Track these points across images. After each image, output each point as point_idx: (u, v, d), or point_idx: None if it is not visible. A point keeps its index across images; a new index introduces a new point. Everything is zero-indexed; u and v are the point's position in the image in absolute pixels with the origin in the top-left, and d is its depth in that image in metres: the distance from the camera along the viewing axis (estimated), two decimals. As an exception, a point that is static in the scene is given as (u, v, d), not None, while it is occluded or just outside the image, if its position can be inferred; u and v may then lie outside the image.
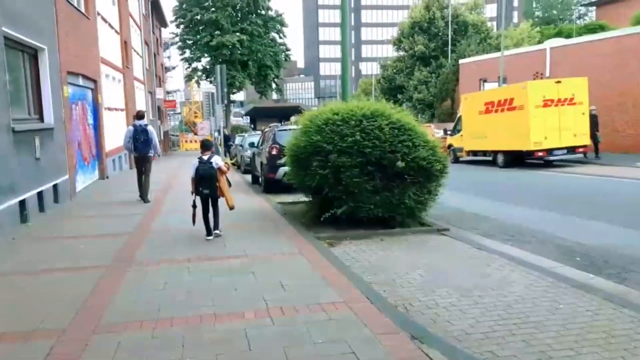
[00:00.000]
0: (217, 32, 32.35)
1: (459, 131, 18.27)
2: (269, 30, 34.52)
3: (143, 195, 9.09)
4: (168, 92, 41.47)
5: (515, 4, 71.02)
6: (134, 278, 4.45)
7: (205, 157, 5.91)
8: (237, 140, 21.33)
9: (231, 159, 20.51)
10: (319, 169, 6.10)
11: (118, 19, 17.13)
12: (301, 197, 7.54)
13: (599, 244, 5.59)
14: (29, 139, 7.50)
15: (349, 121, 6.18)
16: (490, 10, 58.25)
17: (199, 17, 32.92)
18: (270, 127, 12.91)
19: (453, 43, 35.10)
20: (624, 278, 4.39)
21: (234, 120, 43.17)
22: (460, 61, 28.42)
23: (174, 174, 14.99)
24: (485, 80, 24.40)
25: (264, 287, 4.07)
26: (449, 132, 19.14)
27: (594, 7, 39.85)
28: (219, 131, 17.42)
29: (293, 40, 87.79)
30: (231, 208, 6.03)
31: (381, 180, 6.06)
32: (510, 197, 9.52)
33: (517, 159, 15.30)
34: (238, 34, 32.17)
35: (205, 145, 6.15)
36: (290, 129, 10.05)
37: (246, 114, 47.40)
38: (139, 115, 9.26)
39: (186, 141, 36.86)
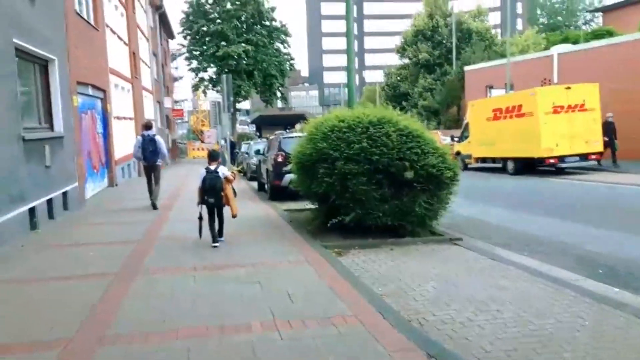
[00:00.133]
0: (223, 43, 32.63)
1: (466, 138, 18.11)
2: (273, 40, 34.76)
3: (152, 203, 9.23)
4: (176, 102, 41.82)
5: (519, 11, 70.99)
6: (141, 286, 4.38)
7: (212, 167, 6.01)
8: (243, 147, 21.37)
9: (237, 166, 20.53)
10: (325, 176, 6.01)
11: (127, 31, 17.33)
12: (307, 205, 7.46)
13: (621, 255, 5.40)
14: (39, 147, 7.53)
15: (356, 128, 6.10)
16: (494, 18, 58.20)
17: (205, 28, 33.26)
18: (275, 134, 12.89)
19: (457, 50, 35.06)
20: (650, 292, 4.20)
21: (240, 128, 43.34)
22: (466, 68, 28.32)
23: (181, 181, 14.99)
24: (491, 87, 24.24)
25: (271, 298, 3.97)
26: (456, 139, 18.99)
27: (601, 13, 39.66)
28: (225, 139, 17.45)
29: (297, 49, 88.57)
30: (234, 216, 6.09)
31: (389, 188, 5.96)
32: (523, 205, 9.35)
33: (528, 166, 15.10)
34: (243, 44, 32.40)
35: (213, 156, 6.26)
36: (295, 137, 10.02)
37: (252, 122, 47.57)
38: (147, 126, 9.49)
39: (193, 149, 37.06)
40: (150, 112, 22.61)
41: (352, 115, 6.35)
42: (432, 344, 3.09)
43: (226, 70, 30.05)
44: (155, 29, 27.17)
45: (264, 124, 36.68)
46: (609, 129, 14.83)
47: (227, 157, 16.68)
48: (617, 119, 15.28)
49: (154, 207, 9.14)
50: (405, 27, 42.61)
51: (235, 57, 32.04)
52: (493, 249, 5.75)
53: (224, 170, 6.03)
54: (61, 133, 8.58)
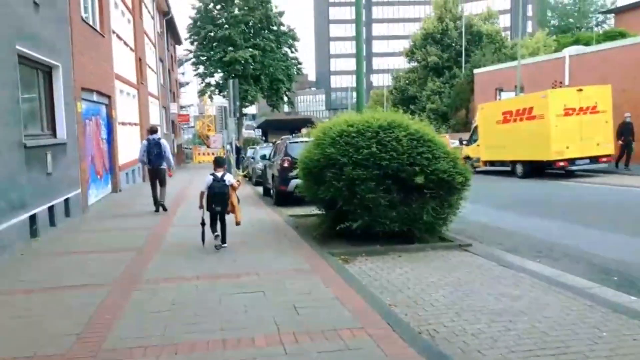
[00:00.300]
0: (230, 48, 32.70)
1: (475, 141, 17.87)
2: (281, 45, 34.78)
3: (160, 205, 9.43)
4: (182, 107, 42.00)
5: (529, 13, 70.63)
6: (141, 297, 4.24)
7: (219, 174, 6.00)
8: (249, 152, 21.31)
9: (243, 171, 20.45)
10: (332, 182, 5.86)
11: (133, 37, 17.37)
12: (313, 210, 7.31)
13: (635, 261, 5.20)
14: (41, 154, 7.47)
15: (365, 133, 5.95)
16: (504, 21, 57.90)
17: (212, 34, 33.37)
18: (282, 139, 12.78)
19: (467, 53, 34.82)
20: (669, 300, 4.00)
21: (246, 133, 43.40)
22: (475, 71, 28.06)
23: (186, 186, 14.91)
24: (501, 90, 23.95)
25: (275, 309, 3.81)
26: (464, 142, 18.75)
27: (612, 15, 39.13)
28: (230, 144, 17.40)
29: (304, 53, 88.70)
30: (237, 224, 6.11)
31: (398, 193, 5.78)
32: (534, 209, 9.10)
33: (537, 169, 14.83)
34: (251, 49, 32.45)
35: (218, 162, 6.26)
36: (302, 142, 9.91)
37: (258, 127, 47.66)
38: (152, 130, 9.65)
39: (199, 154, 37.16)
40: (156, 117, 22.65)
41: (362, 119, 6.20)
42: (444, 358, 2.94)
43: (233, 75, 30.07)
44: (163, 35, 27.30)
45: (270, 128, 36.72)
46: (626, 129, 14.50)
47: (233, 161, 16.61)
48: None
49: (164, 209, 9.42)
50: (414, 30, 42.53)
51: (242, 62, 32.12)
52: (504, 255, 5.57)
53: (230, 178, 6.04)
54: (64, 140, 8.52)
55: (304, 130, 22.13)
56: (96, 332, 3.47)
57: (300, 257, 5.50)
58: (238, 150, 21.03)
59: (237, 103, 16.04)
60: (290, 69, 35.26)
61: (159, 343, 3.23)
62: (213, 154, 28.30)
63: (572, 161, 14.02)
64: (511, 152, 15.65)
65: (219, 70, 34.14)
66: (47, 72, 8.26)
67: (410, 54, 39.48)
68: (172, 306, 3.96)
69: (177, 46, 36.94)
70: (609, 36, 30.25)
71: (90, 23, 11.32)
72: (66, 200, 8.55)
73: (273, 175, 11.25)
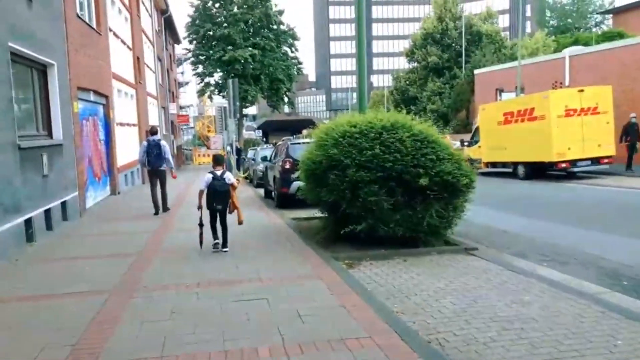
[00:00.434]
0: (230, 47, 32.52)
1: (476, 142, 17.77)
2: (280, 44, 34.62)
3: (163, 205, 9.50)
4: (181, 107, 41.81)
5: (528, 13, 70.70)
6: (138, 305, 4.10)
7: (219, 173, 5.93)
8: (250, 153, 21.17)
9: (243, 173, 20.31)
10: (335, 184, 5.74)
11: (130, 36, 17.21)
12: (315, 213, 7.18)
13: (645, 264, 5.08)
14: (36, 156, 7.31)
15: (368, 134, 5.83)
16: (503, 21, 57.86)
17: (211, 32, 33.18)
18: (283, 140, 12.65)
19: (467, 54, 34.74)
20: (684, 306, 3.88)
21: (247, 134, 43.27)
22: (476, 71, 27.97)
23: (186, 188, 14.76)
24: (502, 91, 23.89)
25: (279, 317, 3.67)
26: (466, 143, 18.65)
27: (610, 15, 39.13)
28: (231, 145, 17.25)
29: (304, 54, 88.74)
30: (240, 223, 6.09)
31: (402, 196, 5.66)
32: (538, 211, 8.99)
33: (538, 171, 14.73)
34: (250, 48, 32.28)
35: (218, 160, 6.18)
36: (303, 143, 9.79)
37: (258, 128, 47.47)
38: (152, 131, 9.61)
39: (199, 155, 37.02)
40: (154, 118, 22.48)
41: (364, 120, 6.08)
42: (457, 372, 2.80)
43: (232, 74, 29.92)
44: (161, 33, 27.13)
45: (270, 129, 36.54)
46: (632, 130, 14.39)
47: (233, 163, 16.47)
48: (626, 120, 14.83)
49: (165, 209, 9.51)
50: (414, 30, 42.44)
51: (242, 61, 31.96)
52: (511, 259, 5.46)
53: (229, 177, 5.97)
54: (60, 141, 8.36)
55: (304, 132, 21.99)
56: (92, 343, 3.33)
57: (304, 262, 5.37)
58: (238, 152, 20.89)
59: (237, 103, 15.88)
60: (291, 69, 35.11)
61: (158, 355, 3.10)
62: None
63: (574, 162, 13.94)
64: (512, 153, 15.55)
65: (218, 70, 33.97)
66: (42, 70, 8.10)
67: (410, 54, 39.37)
68: (172, 315, 3.82)
69: (175, 45, 36.74)
70: (608, 37, 30.22)
71: (86, 20, 11.14)
72: (63, 203, 8.40)
73: (274, 177, 11.12)
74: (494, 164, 16.78)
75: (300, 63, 36.49)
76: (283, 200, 10.25)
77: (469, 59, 34.19)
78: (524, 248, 6.11)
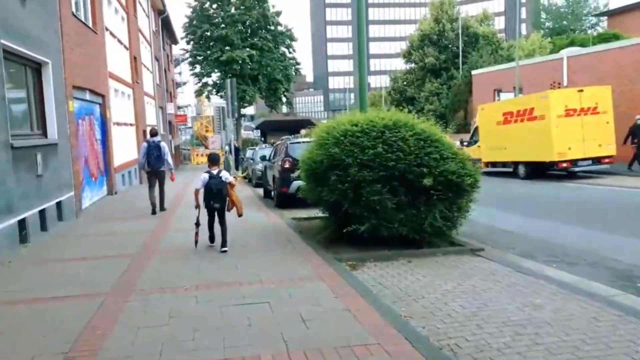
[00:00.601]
0: (227, 48, 32.34)
1: (475, 142, 17.68)
2: (278, 45, 34.46)
3: (160, 205, 9.54)
4: (179, 107, 41.59)
5: (523, 15, 71.02)
6: (134, 310, 3.93)
7: (215, 172, 5.93)
8: (248, 153, 20.99)
9: (242, 172, 20.14)
10: (337, 184, 5.61)
11: (127, 35, 17.02)
12: (316, 212, 7.05)
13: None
14: (30, 155, 7.13)
15: (370, 132, 5.69)
16: (498, 23, 57.97)
17: (209, 33, 32.99)
18: (282, 140, 12.50)
19: (464, 55, 34.71)
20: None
21: (245, 134, 43.09)
22: (474, 72, 27.93)
23: (183, 188, 14.56)
24: (500, 91, 23.83)
25: (282, 322, 3.52)
26: (465, 143, 18.55)
27: (605, 17, 39.25)
28: (229, 144, 17.07)
29: (302, 55, 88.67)
30: (239, 215, 6.14)
31: (405, 196, 5.53)
32: (541, 211, 8.88)
33: (539, 170, 14.66)
34: (248, 49, 32.10)
35: (214, 159, 6.16)
36: (303, 142, 9.67)
37: (256, 128, 47.30)
38: (152, 133, 9.69)
39: (197, 155, 36.83)
40: (152, 118, 22.28)
41: (366, 118, 5.94)
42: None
43: (230, 75, 29.73)
44: (158, 34, 26.94)
45: (268, 129, 36.37)
46: (639, 131, 14.31)
47: (232, 163, 16.30)
48: (627, 121, 14.79)
49: (162, 209, 9.54)
50: (410, 32, 42.39)
51: (240, 61, 31.77)
52: (519, 260, 5.32)
53: (226, 175, 5.99)
54: (55, 140, 8.18)
55: (302, 131, 21.85)
56: (86, 350, 3.16)
57: (306, 263, 5.22)
58: (237, 151, 20.72)
59: (235, 103, 15.72)
60: (289, 69, 34.95)
61: (155, 362, 2.94)
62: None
63: (574, 162, 13.88)
64: (513, 153, 15.47)
65: (216, 70, 33.77)
66: (36, 69, 7.93)
67: (407, 55, 39.30)
68: (170, 320, 3.66)
69: (173, 46, 36.54)
70: (604, 38, 30.29)
71: (82, 19, 10.97)
72: (58, 203, 8.22)
73: (274, 177, 10.98)
74: (493, 164, 16.69)
75: (298, 63, 36.34)
76: (283, 199, 10.13)
77: (466, 60, 34.15)
78: (530, 248, 5.98)
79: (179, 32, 34.48)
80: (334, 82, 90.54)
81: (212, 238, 6.11)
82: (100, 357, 3.05)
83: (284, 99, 36.97)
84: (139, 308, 3.97)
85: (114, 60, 14.34)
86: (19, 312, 4.03)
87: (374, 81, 77.02)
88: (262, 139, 36.61)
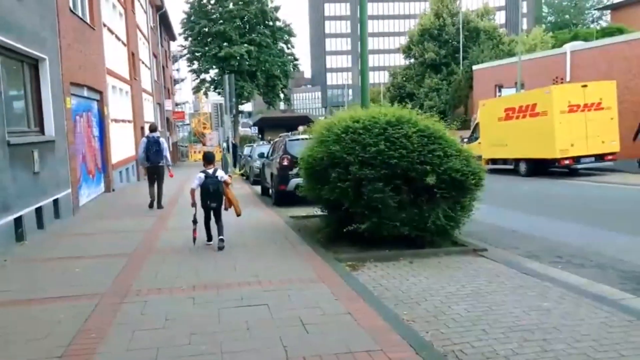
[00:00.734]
0: (225, 44, 32.10)
1: (476, 139, 17.54)
2: (277, 40, 34.19)
3: (157, 202, 9.57)
4: (177, 104, 41.40)
5: (524, 10, 70.67)
6: (131, 311, 3.83)
7: (210, 171, 5.91)
8: (246, 150, 20.84)
9: (240, 170, 19.99)
10: (337, 182, 5.48)
11: (125, 31, 16.85)
12: (315, 211, 6.94)
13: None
14: (26, 152, 7.02)
15: (372, 129, 5.56)
16: (499, 17, 57.69)
17: (207, 29, 32.73)
18: (280, 136, 12.38)
19: (464, 50, 34.49)
20: None
21: (242, 131, 42.89)
22: (474, 67, 27.74)
23: (181, 186, 14.44)
24: (501, 86, 23.68)
25: (281, 326, 3.42)
26: (465, 140, 18.40)
27: (609, 11, 38.99)
28: (227, 141, 16.93)
29: (300, 51, 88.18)
30: (238, 215, 6.11)
31: (408, 194, 5.41)
32: (543, 209, 8.78)
33: (540, 167, 14.53)
34: (246, 45, 31.84)
35: (209, 158, 6.13)
36: (302, 139, 9.55)
37: (254, 125, 47.13)
38: (152, 129, 9.77)
39: (195, 152, 36.67)
40: (150, 114, 22.13)
41: (368, 114, 5.81)
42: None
43: (228, 71, 29.53)
44: (156, 30, 26.73)
45: (266, 126, 36.16)
46: None
47: (230, 160, 16.16)
48: (632, 117, 14.65)
49: (159, 206, 9.53)
50: (410, 27, 42.11)
51: (238, 57, 31.52)
52: (523, 261, 5.22)
53: (222, 174, 6.00)
54: (52, 137, 8.06)
55: (300, 128, 21.70)
56: (79, 356, 3.05)
57: (305, 263, 5.12)
58: (235, 148, 20.56)
59: (234, 99, 15.56)
60: (287, 65, 34.69)
61: (151, 369, 2.84)
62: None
63: (577, 159, 13.74)
64: (514, 149, 15.34)
65: (214, 66, 33.53)
66: (33, 65, 7.80)
67: (407, 50, 39.06)
68: (166, 323, 3.55)
69: (171, 42, 36.30)
70: (607, 32, 30.06)
71: (79, 14, 10.81)
72: (55, 201, 8.11)
73: (272, 174, 10.86)
74: (494, 161, 16.57)
75: (296, 59, 36.07)
76: (281, 197, 10.02)
77: (466, 55, 33.95)
78: (534, 248, 5.88)
79: (177, 28, 34.27)
80: (332, 79, 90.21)
81: (209, 236, 6.12)
82: (93, 364, 2.95)
83: (282, 96, 36.74)
84: (135, 310, 3.86)
85: (112, 57, 14.18)
86: (11, 314, 3.92)
87: (373, 77, 76.71)
88: (260, 135, 36.41)
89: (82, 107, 11.07)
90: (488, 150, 16.59)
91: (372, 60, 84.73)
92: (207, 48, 32.82)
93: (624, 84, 15.98)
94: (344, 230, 5.60)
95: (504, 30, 40.83)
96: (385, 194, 5.30)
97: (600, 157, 13.87)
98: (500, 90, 23.56)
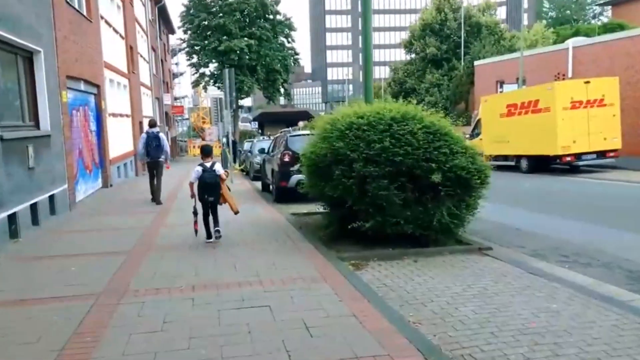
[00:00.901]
0: (225, 37, 31.84)
1: (477, 135, 17.41)
2: (277, 34, 33.94)
3: (156, 199, 9.58)
4: (176, 99, 41.13)
5: (525, 5, 70.32)
6: (128, 313, 3.71)
7: (208, 165, 5.89)
8: (246, 146, 20.69)
9: (240, 165, 19.85)
10: (341, 179, 5.36)
11: (123, 24, 16.62)
12: (317, 207, 6.82)
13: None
14: (21, 147, 6.87)
15: (377, 125, 5.43)
16: (500, 13, 57.38)
17: (206, 22, 32.46)
18: (282, 132, 12.24)
19: (466, 45, 34.25)
20: None
21: (242, 126, 42.69)
22: (476, 63, 27.55)
23: (180, 181, 14.31)
24: (502, 82, 23.52)
25: (284, 329, 3.31)
26: (467, 136, 18.26)
27: (610, 7, 38.75)
28: (226, 137, 16.76)
29: (300, 45, 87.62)
30: (236, 213, 6.08)
31: (413, 192, 5.30)
32: (546, 207, 8.68)
33: (542, 164, 14.43)
34: (246, 38, 31.59)
35: (206, 151, 6.10)
36: (303, 135, 9.43)
37: (254, 120, 46.90)
38: (151, 124, 9.82)
39: (194, 147, 36.51)
40: (148, 109, 21.93)
41: (372, 110, 5.67)
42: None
43: (228, 65, 29.30)
44: (155, 23, 26.45)
45: (266, 121, 36.02)
46: None
47: (230, 156, 16.01)
48: (632, 113, 14.53)
49: (157, 202, 9.51)
50: (411, 22, 41.82)
51: (238, 51, 31.28)
52: (529, 260, 5.11)
53: (218, 168, 5.99)
54: (48, 131, 7.91)
55: (300, 124, 21.54)
56: (73, 359, 2.94)
57: (307, 262, 5.01)
58: (234, 145, 20.39)
59: (233, 94, 15.37)
60: (287, 60, 34.47)
61: (148, 374, 2.72)
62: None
63: (579, 156, 13.65)
64: (516, 146, 15.22)
65: (213, 60, 33.30)
66: (28, 57, 7.63)
67: (408, 45, 38.80)
68: (164, 325, 3.44)
69: (170, 36, 35.98)
70: (609, 28, 29.88)
71: (76, 6, 10.61)
72: (51, 197, 7.97)
73: (273, 170, 10.73)
74: (495, 157, 16.45)
75: (297, 54, 35.85)
76: (282, 194, 9.90)
77: (468, 51, 33.72)
78: (539, 247, 5.77)
79: (176, 21, 33.99)
80: (332, 73, 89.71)
81: (209, 234, 6.04)
82: (88, 369, 2.83)
83: (282, 90, 36.53)
84: (132, 311, 3.75)
85: (110, 50, 13.99)
86: (3, 315, 3.80)
87: (374, 72, 76.52)
88: (259, 130, 36.24)
89: (79, 101, 10.90)
90: (490, 147, 16.45)
91: (374, 55, 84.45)
92: (206, 42, 32.57)
93: (626, 80, 15.86)
94: (349, 227, 5.49)
95: (505, 26, 40.59)
96: (389, 192, 5.19)
97: (601, 154, 13.77)
98: (501, 86, 23.41)
